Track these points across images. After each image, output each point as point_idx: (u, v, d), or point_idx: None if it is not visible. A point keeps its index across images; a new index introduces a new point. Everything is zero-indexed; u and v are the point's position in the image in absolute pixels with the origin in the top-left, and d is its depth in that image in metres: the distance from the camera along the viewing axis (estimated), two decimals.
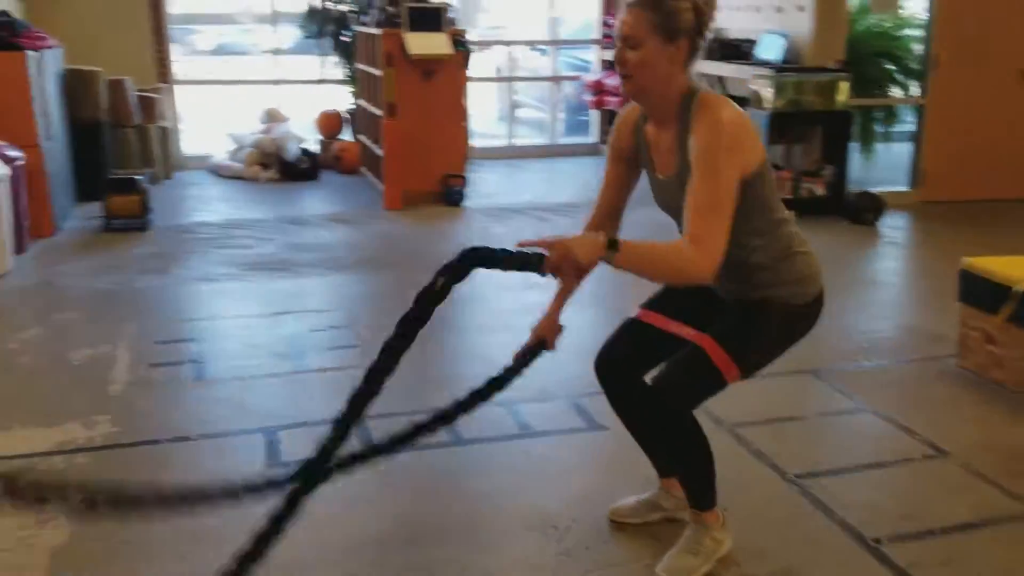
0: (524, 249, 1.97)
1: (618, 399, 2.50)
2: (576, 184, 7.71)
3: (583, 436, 3.18)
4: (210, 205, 6.68)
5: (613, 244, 1.96)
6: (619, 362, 2.46)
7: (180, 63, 13.59)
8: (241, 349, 3.97)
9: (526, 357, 2.40)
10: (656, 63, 2.08)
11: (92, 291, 4.72)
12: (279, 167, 7.54)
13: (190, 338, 4.07)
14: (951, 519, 2.65)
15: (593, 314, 4.12)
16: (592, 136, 9.32)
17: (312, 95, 8.62)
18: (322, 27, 8.06)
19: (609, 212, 2.43)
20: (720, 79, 7.66)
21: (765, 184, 2.17)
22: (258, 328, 4.23)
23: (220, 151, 7.93)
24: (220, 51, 18.28)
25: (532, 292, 4.75)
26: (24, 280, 4.89)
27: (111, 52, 7.21)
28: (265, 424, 3.24)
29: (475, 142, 9.13)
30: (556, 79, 9.48)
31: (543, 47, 10.21)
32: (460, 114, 6.86)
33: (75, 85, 6.53)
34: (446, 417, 2.33)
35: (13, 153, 5.20)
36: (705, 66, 7.41)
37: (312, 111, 8.36)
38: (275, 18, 8.48)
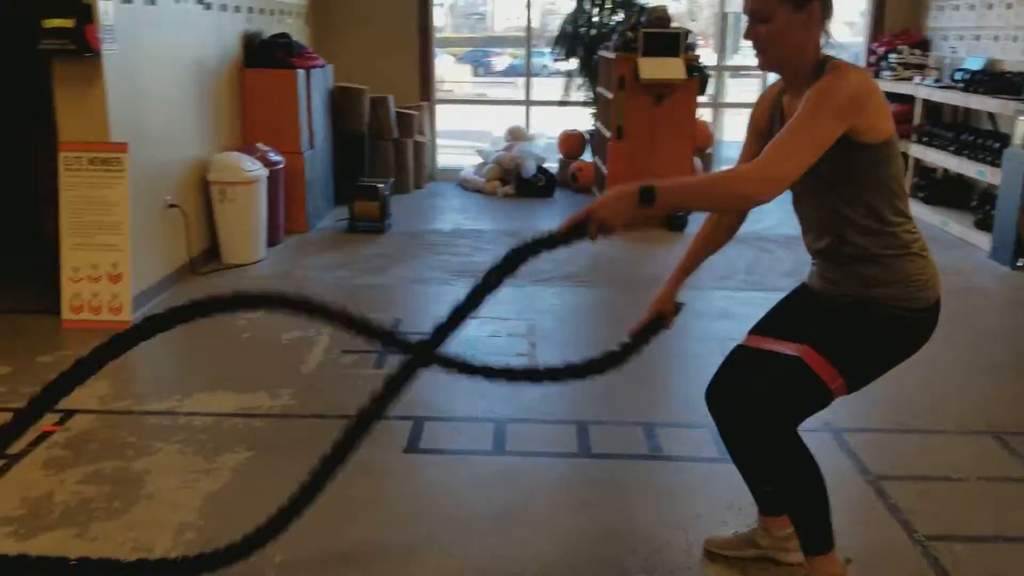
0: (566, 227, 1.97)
1: (724, 430, 2.48)
2: None
3: (710, 466, 3.13)
4: (445, 215, 7.19)
5: (647, 193, 1.87)
6: (721, 391, 2.44)
7: (466, 84, 14.50)
8: None
9: (643, 334, 2.39)
10: (788, 33, 2.03)
11: (320, 282, 5.30)
12: (516, 183, 7.94)
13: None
14: None
15: None
16: None
17: (563, 115, 8.95)
18: (571, 50, 8.37)
19: None
20: (990, 116, 7.05)
21: (888, 164, 2.06)
22: None
23: (468, 166, 8.49)
24: (510, 72, 19.41)
25: (724, 321, 4.71)
26: (270, 269, 5.58)
27: (380, 72, 7.99)
28: (414, 413, 3.51)
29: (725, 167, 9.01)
30: None
31: None
32: (689, 139, 6.85)
33: (342, 101, 7.31)
34: (562, 373, 2.42)
35: (275, 158, 5.95)
36: (970, 100, 6.85)
37: (557, 131, 8.71)
38: (531, 41, 8.93)
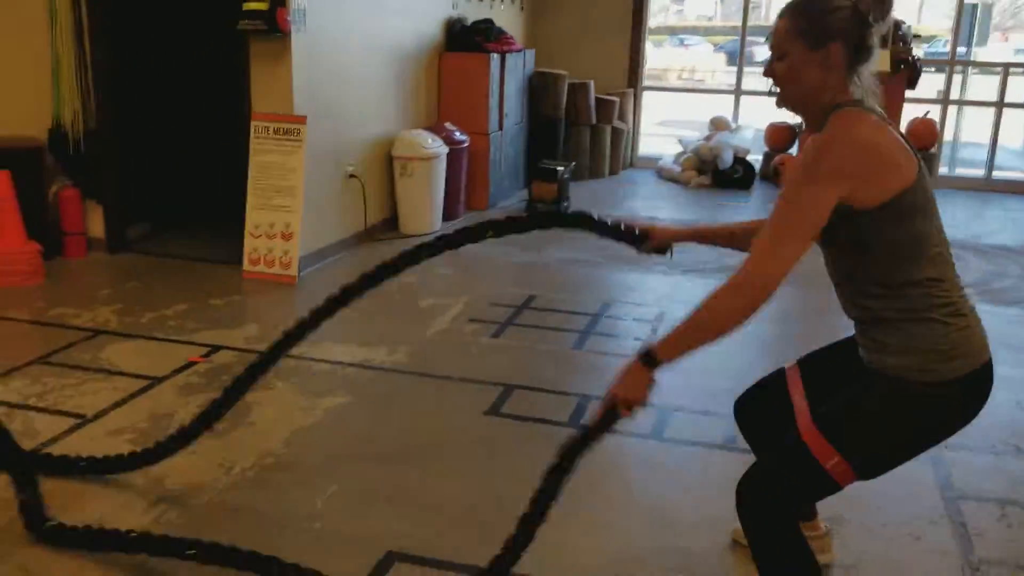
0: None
1: (750, 440, 2.42)
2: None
3: None
4: (627, 201, 7.24)
5: (648, 357, 1.88)
6: (747, 409, 2.36)
7: (719, 73, 14.26)
8: (538, 319, 4.44)
9: (620, 232, 2.30)
10: (802, 71, 1.90)
11: (475, 255, 5.50)
12: (713, 174, 7.81)
13: (514, 305, 4.63)
14: None
15: None
16: None
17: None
18: None
19: None
20: None
21: (897, 224, 1.83)
22: (573, 307, 4.64)
23: (668, 154, 8.45)
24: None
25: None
26: None
27: (588, 58, 8.16)
28: (501, 381, 3.67)
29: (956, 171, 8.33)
30: None
31: None
32: None
33: (540, 85, 7.53)
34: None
35: (459, 137, 6.29)
36: None
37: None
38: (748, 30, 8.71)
